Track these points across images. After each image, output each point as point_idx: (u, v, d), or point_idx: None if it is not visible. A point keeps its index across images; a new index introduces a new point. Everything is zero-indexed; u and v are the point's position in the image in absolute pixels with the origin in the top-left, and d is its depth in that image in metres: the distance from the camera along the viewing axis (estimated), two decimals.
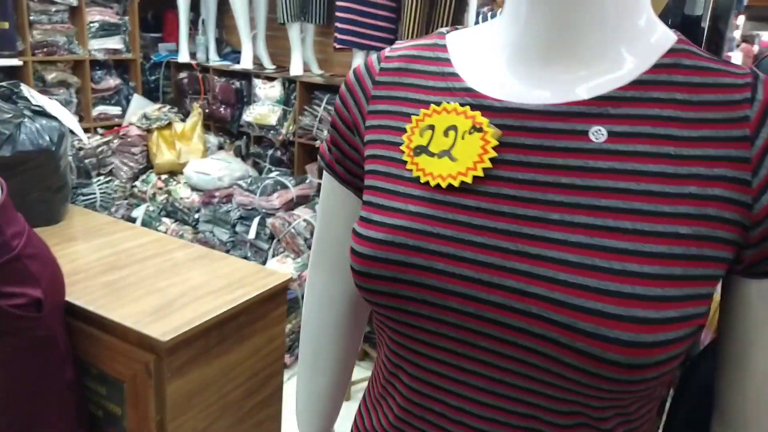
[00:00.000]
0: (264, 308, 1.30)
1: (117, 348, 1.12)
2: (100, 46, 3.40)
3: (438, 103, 0.52)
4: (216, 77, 3.66)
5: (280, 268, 2.69)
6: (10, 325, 0.98)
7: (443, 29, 0.58)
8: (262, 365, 1.33)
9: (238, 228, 3.05)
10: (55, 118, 1.49)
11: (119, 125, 3.54)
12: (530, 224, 0.46)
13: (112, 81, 3.52)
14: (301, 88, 3.36)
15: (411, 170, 0.51)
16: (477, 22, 2.67)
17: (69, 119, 1.56)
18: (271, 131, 3.43)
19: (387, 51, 0.59)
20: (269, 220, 2.90)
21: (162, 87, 3.83)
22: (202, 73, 3.70)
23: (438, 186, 0.49)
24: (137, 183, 3.43)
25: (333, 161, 0.64)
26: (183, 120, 3.62)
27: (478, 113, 0.49)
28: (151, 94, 3.80)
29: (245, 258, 3.03)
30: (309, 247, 2.79)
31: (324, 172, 0.66)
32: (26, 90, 1.55)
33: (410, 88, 0.55)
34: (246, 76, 3.58)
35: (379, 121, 0.57)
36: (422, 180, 0.50)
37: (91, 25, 3.34)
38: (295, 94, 3.40)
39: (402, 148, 0.53)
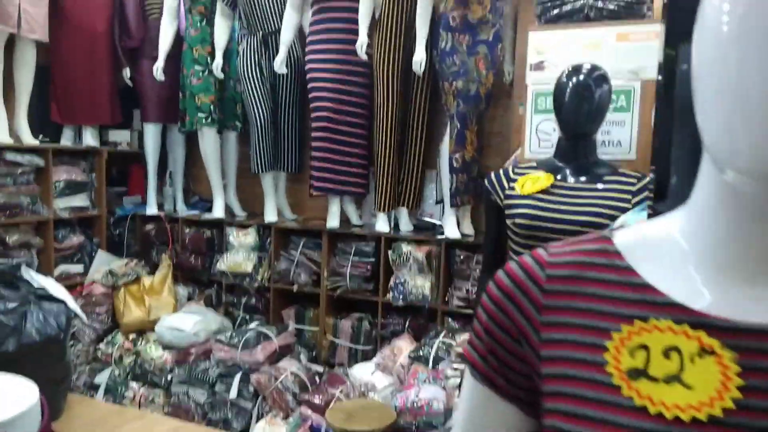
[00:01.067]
0: None
1: None
2: (65, 205, 3.31)
3: (643, 319, 0.50)
4: (186, 227, 3.61)
5: None
6: None
7: (605, 232, 0.58)
8: None
9: (217, 387, 2.84)
10: (60, 301, 1.39)
11: (82, 284, 3.35)
12: None
13: (76, 239, 3.39)
14: (276, 233, 3.36)
15: (631, 398, 0.48)
16: (451, 166, 2.81)
17: (70, 300, 1.45)
18: (247, 278, 3.35)
19: (545, 255, 0.58)
20: (253, 376, 2.72)
21: (127, 240, 3.71)
22: (171, 224, 3.64)
23: (677, 419, 0.46)
24: (101, 345, 3.19)
25: (491, 372, 0.60)
26: (150, 273, 3.48)
27: (702, 333, 0.48)
28: (114, 248, 3.67)
29: (225, 421, 2.79)
30: (299, 404, 2.62)
31: (470, 380, 0.62)
32: (26, 271, 1.44)
33: (593, 299, 0.54)
34: (217, 224, 3.55)
35: (561, 334, 0.54)
36: (652, 411, 0.47)
37: (57, 184, 3.27)
38: (270, 239, 3.38)
39: (608, 369, 0.50)
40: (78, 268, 3.41)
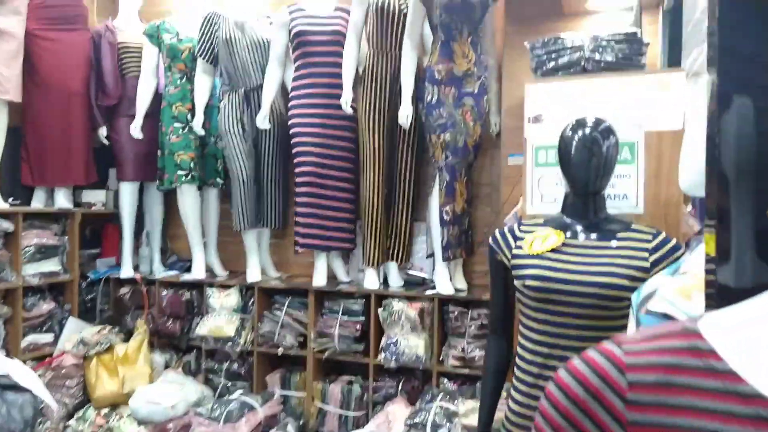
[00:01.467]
0: None
1: None
2: (35, 271, 3.13)
3: None
4: (163, 289, 3.43)
5: None
6: None
7: (688, 325, 0.49)
8: None
9: None
10: (26, 390, 1.23)
11: (51, 355, 3.13)
12: None
13: (46, 306, 3.19)
14: (260, 293, 3.21)
15: None
16: (441, 219, 2.74)
17: (39, 386, 1.30)
18: (229, 343, 3.16)
19: (621, 355, 0.49)
20: None
21: (100, 306, 3.52)
22: (147, 286, 3.47)
23: None
24: (72, 422, 2.94)
25: None
26: (125, 340, 3.27)
27: None
28: (87, 314, 3.47)
29: None
30: None
31: None
32: None
33: (691, 413, 0.44)
34: (197, 285, 3.39)
35: None
36: None
37: (27, 249, 3.10)
38: (253, 300, 3.23)
39: None
40: (47, 337, 3.20)
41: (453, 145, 2.72)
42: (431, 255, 2.95)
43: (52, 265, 3.24)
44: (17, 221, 3.05)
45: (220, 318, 3.19)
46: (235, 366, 3.24)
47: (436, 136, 2.73)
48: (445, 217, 2.74)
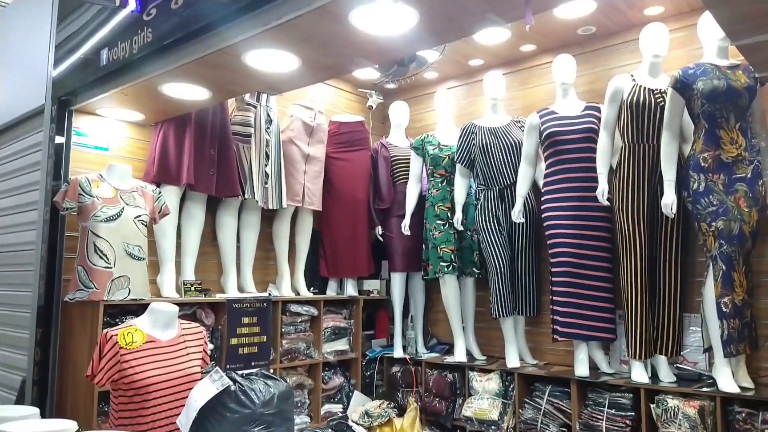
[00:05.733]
0: None
1: None
2: (330, 349, 3.77)
3: None
4: (428, 370, 3.80)
5: None
6: None
7: None
8: None
9: None
10: None
11: None
12: None
13: (337, 380, 3.79)
14: (520, 379, 3.35)
15: None
16: (719, 311, 2.59)
17: None
18: (492, 426, 3.34)
19: None
20: None
21: (375, 381, 4.02)
22: (415, 366, 3.87)
23: None
24: None
25: None
26: (399, 415, 3.68)
27: None
28: (365, 389, 3.99)
29: None
30: None
31: None
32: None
33: None
34: (459, 368, 3.67)
35: None
36: None
37: (325, 330, 3.77)
38: (513, 385, 3.37)
39: None
40: (338, 407, 3.77)
41: (727, 233, 2.61)
42: (708, 349, 2.78)
43: (342, 345, 3.87)
44: (319, 307, 3.75)
45: (483, 401, 3.40)
46: None
47: (707, 225, 2.66)
48: (724, 309, 2.60)
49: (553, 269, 3.24)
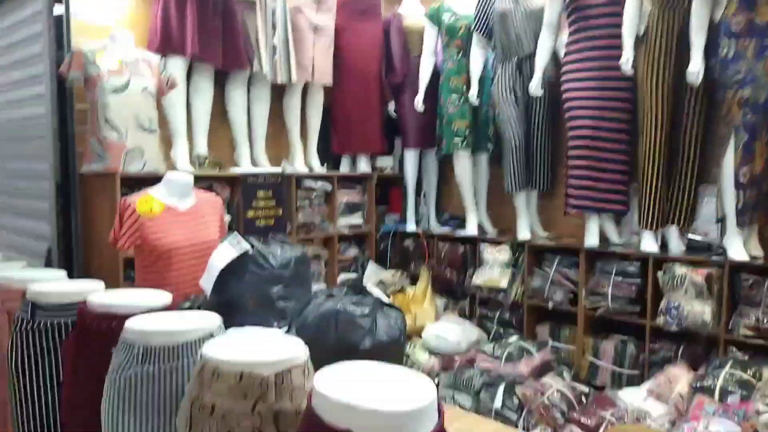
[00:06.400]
0: None
1: None
2: (345, 223, 3.85)
3: None
4: (440, 243, 3.90)
5: None
6: None
7: None
8: None
9: (482, 395, 3.00)
10: (398, 309, 1.66)
11: None
12: None
13: (352, 252, 3.92)
14: (530, 251, 3.43)
15: None
16: (736, 181, 2.57)
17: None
18: (501, 293, 3.48)
19: None
20: (519, 388, 2.82)
21: (389, 254, 4.16)
22: (427, 240, 3.97)
23: None
24: None
25: None
26: (412, 284, 3.84)
27: None
28: (380, 261, 4.14)
29: None
30: (567, 422, 2.64)
31: None
32: (365, 284, 1.76)
33: None
34: (471, 241, 3.76)
35: None
36: None
37: (340, 205, 3.83)
38: (523, 257, 3.47)
39: None
40: (353, 276, 3.93)
41: (753, 102, 2.51)
42: (721, 219, 2.79)
43: (356, 219, 3.95)
44: (334, 183, 3.78)
45: (493, 271, 3.52)
46: (507, 315, 3.56)
47: (733, 93, 2.55)
48: (742, 179, 2.57)
49: (571, 141, 3.18)
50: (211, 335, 1.32)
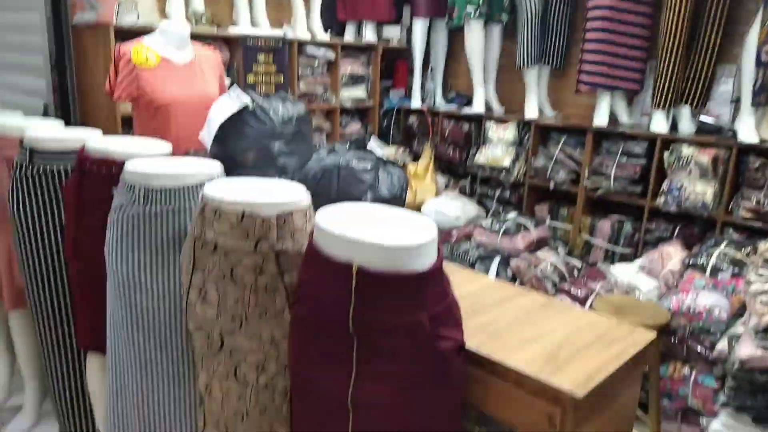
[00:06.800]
0: (632, 368, 1.26)
1: (510, 394, 1.15)
2: (348, 96, 3.74)
3: None
4: (445, 120, 3.81)
5: None
6: (442, 369, 1.04)
7: None
8: (619, 425, 1.29)
9: (477, 267, 3.09)
10: (399, 167, 1.63)
11: None
12: None
13: (354, 126, 3.84)
14: (536, 130, 3.37)
15: None
16: (758, 59, 2.46)
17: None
18: (503, 172, 3.46)
19: None
20: (513, 261, 2.89)
21: (392, 130, 4.08)
22: (432, 117, 3.88)
23: None
24: None
25: None
26: (414, 160, 3.81)
27: None
28: (383, 137, 4.07)
29: None
30: (558, 291, 2.73)
31: None
32: (369, 141, 1.72)
33: None
34: (476, 119, 3.68)
35: None
36: None
37: (343, 76, 3.69)
38: (529, 135, 3.41)
39: None
40: None
41: None
42: (737, 100, 2.70)
43: (359, 92, 3.82)
44: (337, 51, 3.61)
45: (497, 149, 3.48)
46: (507, 194, 3.57)
47: None
48: (764, 57, 2.44)
49: (590, 12, 3.00)
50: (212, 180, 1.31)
